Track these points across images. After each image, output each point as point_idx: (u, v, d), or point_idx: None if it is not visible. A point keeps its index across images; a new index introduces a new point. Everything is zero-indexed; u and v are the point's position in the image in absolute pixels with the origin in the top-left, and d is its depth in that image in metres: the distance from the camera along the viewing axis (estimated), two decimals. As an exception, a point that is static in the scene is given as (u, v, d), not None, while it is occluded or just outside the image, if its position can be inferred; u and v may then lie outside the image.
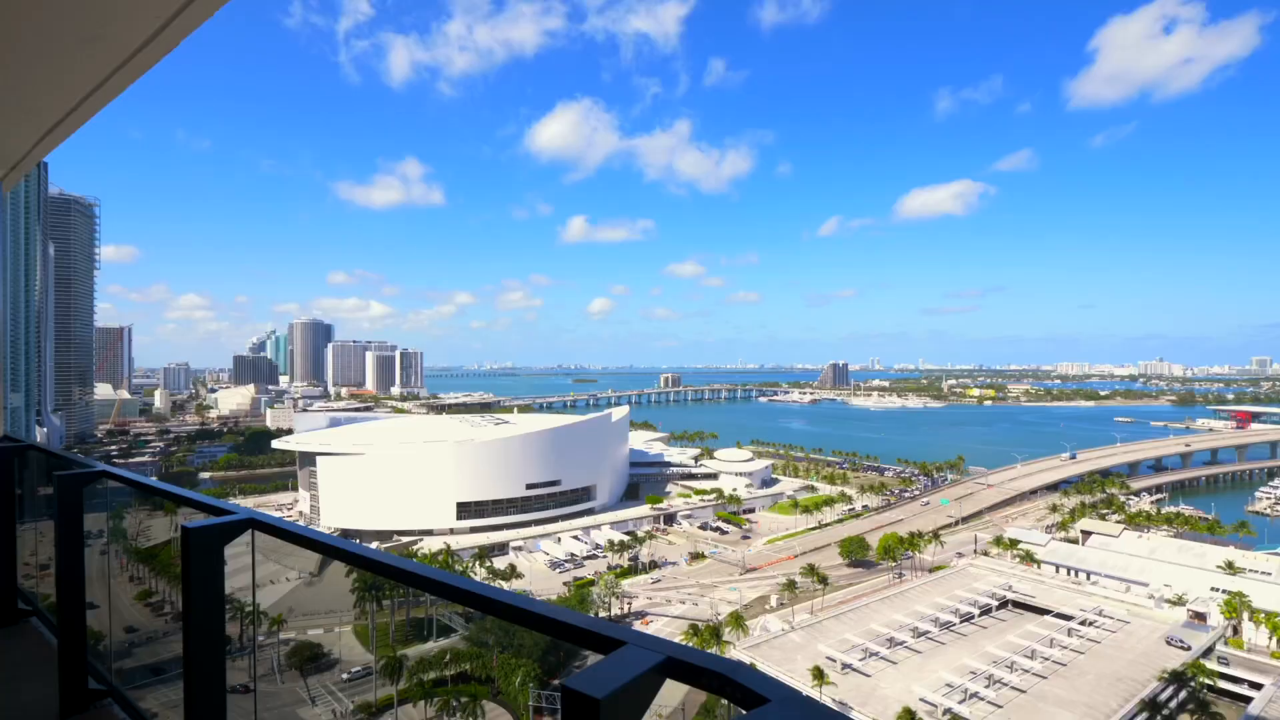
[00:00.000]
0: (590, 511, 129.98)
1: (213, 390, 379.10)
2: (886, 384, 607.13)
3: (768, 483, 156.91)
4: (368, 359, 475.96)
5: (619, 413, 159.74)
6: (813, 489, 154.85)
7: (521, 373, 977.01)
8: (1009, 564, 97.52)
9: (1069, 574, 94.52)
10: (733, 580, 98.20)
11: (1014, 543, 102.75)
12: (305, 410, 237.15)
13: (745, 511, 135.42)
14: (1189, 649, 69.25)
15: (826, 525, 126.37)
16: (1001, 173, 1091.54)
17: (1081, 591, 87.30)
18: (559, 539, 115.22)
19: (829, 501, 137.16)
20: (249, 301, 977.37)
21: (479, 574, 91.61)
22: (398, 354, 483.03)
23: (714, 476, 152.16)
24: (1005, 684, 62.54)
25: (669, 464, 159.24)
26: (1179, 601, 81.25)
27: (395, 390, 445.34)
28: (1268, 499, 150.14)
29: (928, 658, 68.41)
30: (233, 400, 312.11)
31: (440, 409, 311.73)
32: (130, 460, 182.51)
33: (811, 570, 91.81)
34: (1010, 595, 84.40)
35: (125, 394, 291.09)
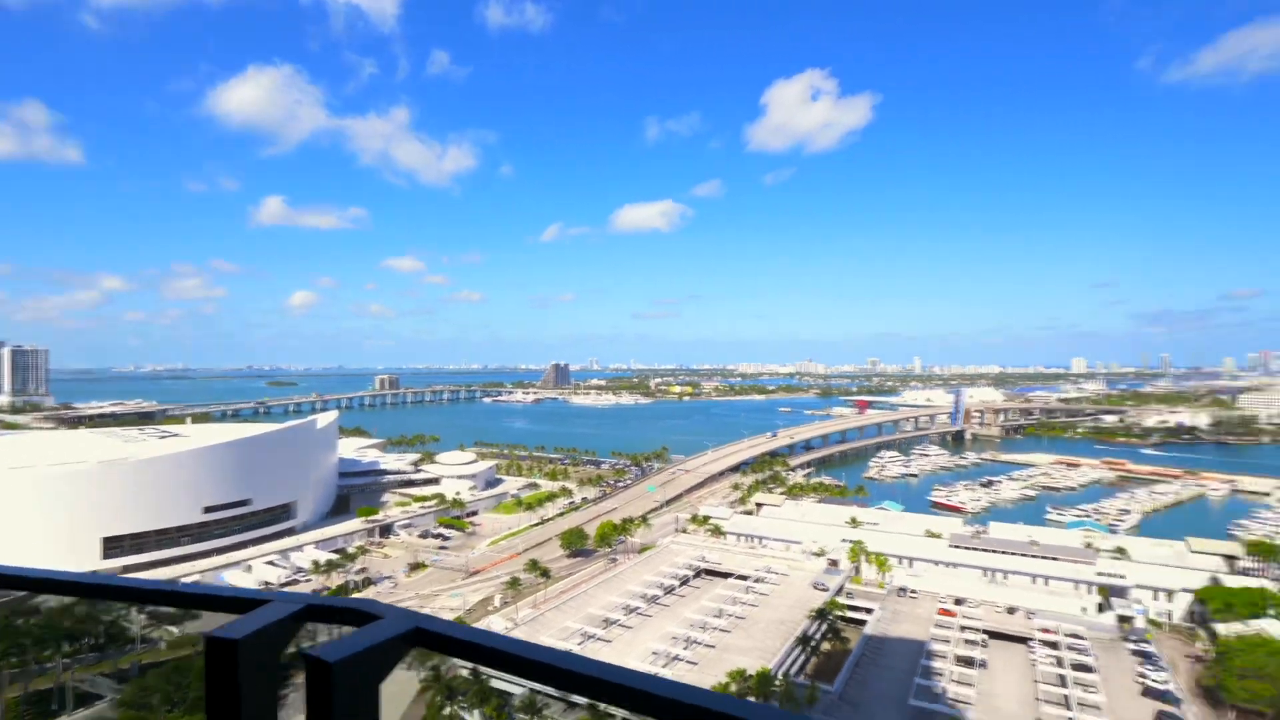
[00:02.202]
0: (290, 531, 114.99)
1: None
2: (604, 383, 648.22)
3: (492, 484, 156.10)
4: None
5: (325, 419, 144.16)
6: (536, 486, 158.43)
7: (198, 375, 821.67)
8: (702, 538, 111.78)
9: (748, 541, 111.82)
10: (455, 586, 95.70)
11: (706, 519, 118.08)
12: None
13: (469, 515, 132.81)
14: (828, 590, 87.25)
15: (549, 520, 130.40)
16: (698, 197, 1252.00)
17: (756, 554, 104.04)
18: (249, 567, 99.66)
19: (551, 497, 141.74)
20: None
21: (137, 620, 74.57)
22: (6, 351, 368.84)
23: (436, 481, 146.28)
24: (700, 643, 71.68)
25: (385, 472, 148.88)
26: (821, 553, 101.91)
27: (2, 399, 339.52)
28: (877, 467, 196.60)
29: (637, 631, 75.06)
30: None
31: (76, 421, 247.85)
32: None
33: (534, 565, 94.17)
34: (703, 565, 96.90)
35: None
